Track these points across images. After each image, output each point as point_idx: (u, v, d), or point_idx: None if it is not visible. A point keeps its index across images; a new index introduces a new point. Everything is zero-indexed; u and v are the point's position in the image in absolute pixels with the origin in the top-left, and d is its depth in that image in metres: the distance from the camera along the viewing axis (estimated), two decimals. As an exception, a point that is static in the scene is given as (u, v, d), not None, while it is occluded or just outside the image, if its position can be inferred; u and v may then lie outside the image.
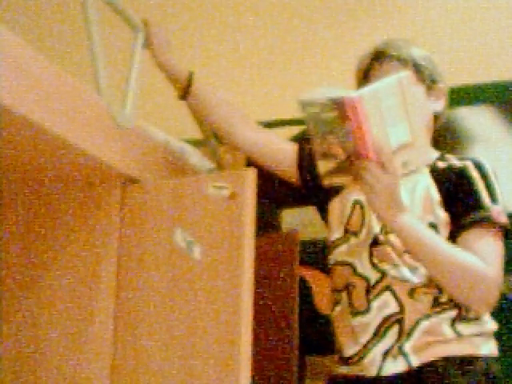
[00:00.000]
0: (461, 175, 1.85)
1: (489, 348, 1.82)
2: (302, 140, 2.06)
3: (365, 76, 1.92)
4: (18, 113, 1.46)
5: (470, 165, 1.85)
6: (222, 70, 3.52)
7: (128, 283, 1.80)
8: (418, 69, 1.88)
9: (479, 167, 1.85)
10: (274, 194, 2.68)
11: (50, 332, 1.82)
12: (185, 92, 1.97)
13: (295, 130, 2.93)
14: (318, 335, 2.42)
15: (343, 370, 1.86)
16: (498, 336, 1.88)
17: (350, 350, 1.84)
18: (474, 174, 1.84)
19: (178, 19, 3.58)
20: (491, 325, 1.84)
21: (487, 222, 1.79)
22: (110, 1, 1.86)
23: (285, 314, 2.44)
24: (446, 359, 1.75)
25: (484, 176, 1.84)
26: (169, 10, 3.61)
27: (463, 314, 1.79)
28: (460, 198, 1.82)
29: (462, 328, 1.78)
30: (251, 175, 1.76)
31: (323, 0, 3.59)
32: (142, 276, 1.79)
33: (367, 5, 3.50)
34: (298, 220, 2.93)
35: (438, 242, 1.75)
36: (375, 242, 1.84)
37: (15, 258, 1.89)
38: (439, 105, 1.95)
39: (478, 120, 2.83)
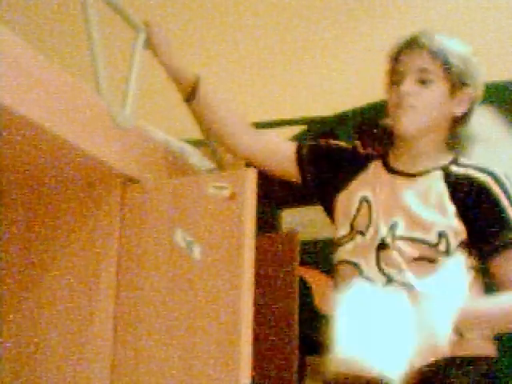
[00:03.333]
0: (481, 191, 1.81)
1: (489, 349, 1.82)
2: (300, 139, 2.05)
3: (395, 59, 1.89)
4: (17, 113, 1.46)
5: (489, 180, 1.82)
6: (222, 69, 3.52)
7: (128, 283, 1.80)
8: (446, 65, 1.83)
9: (499, 182, 1.82)
10: (274, 193, 2.68)
11: (50, 332, 1.82)
12: (190, 95, 1.96)
13: (295, 129, 2.93)
14: (318, 335, 2.43)
15: (345, 368, 1.85)
16: (498, 336, 1.88)
17: None
18: (497, 191, 1.81)
19: (178, 19, 3.58)
20: None
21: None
22: (110, 1, 1.86)
23: (285, 314, 2.44)
24: (448, 359, 1.75)
25: (505, 191, 1.81)
26: (169, 10, 3.61)
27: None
28: (484, 217, 1.81)
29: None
30: (251, 175, 1.76)
31: (323, 0, 3.59)
32: (142, 276, 1.79)
33: (367, 5, 3.51)
34: (298, 220, 2.93)
35: (497, 304, 1.79)
36: (383, 245, 1.82)
37: (15, 258, 1.89)
38: (461, 108, 1.88)
39: (477, 120, 2.82)
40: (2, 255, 1.90)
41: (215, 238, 1.74)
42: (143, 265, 1.79)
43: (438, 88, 1.85)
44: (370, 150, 1.99)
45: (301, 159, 1.98)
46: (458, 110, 1.88)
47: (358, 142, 2.01)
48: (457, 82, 1.85)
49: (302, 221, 2.89)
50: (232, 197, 1.74)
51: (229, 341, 1.67)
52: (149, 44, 1.97)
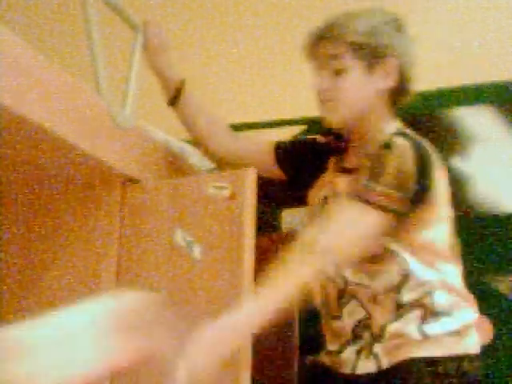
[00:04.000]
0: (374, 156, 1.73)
1: (463, 347, 1.75)
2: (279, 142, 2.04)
3: (307, 56, 1.85)
4: (17, 113, 1.46)
5: (382, 145, 1.71)
6: (222, 69, 3.52)
7: (128, 283, 1.80)
8: (355, 47, 1.77)
9: (390, 147, 1.70)
10: (274, 194, 2.68)
11: (50, 332, 1.82)
12: (173, 100, 1.98)
13: (295, 129, 2.93)
14: (319, 335, 2.43)
15: (324, 359, 1.87)
16: (498, 336, 1.87)
17: (332, 346, 1.85)
18: (378, 155, 1.70)
19: (178, 19, 3.58)
20: (467, 319, 1.77)
21: (358, 197, 1.66)
22: (109, 1, 1.86)
23: (285, 314, 2.44)
24: (413, 360, 1.71)
25: (387, 157, 1.68)
26: (169, 10, 3.61)
27: (430, 311, 1.74)
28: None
29: (429, 328, 1.73)
30: (251, 175, 1.76)
31: (323, 0, 3.59)
32: (142, 276, 1.79)
33: (367, 5, 3.50)
34: (298, 220, 2.93)
35: (255, 309, 1.60)
36: None
37: (15, 258, 1.89)
38: (388, 81, 1.79)
39: (478, 120, 2.82)
40: (2, 255, 1.90)
41: (215, 238, 1.74)
42: (143, 265, 1.79)
43: (354, 72, 1.78)
44: (330, 143, 1.96)
45: (279, 158, 1.98)
46: (386, 84, 1.79)
47: (319, 136, 1.98)
48: (371, 58, 1.77)
49: (302, 221, 2.89)
50: (232, 197, 1.74)
51: (229, 341, 1.67)
52: (145, 44, 1.98)
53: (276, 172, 2.00)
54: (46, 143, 1.62)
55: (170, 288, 1.76)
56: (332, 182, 1.88)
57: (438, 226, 1.78)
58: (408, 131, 1.80)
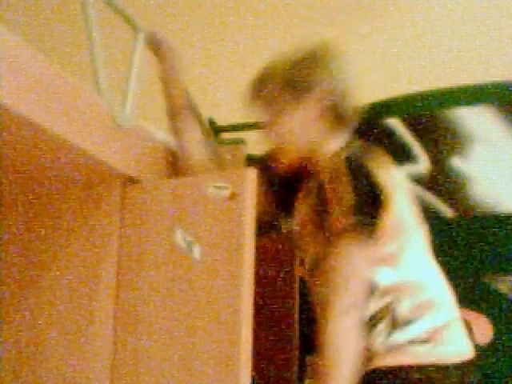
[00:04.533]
0: (320, 191, 1.79)
1: (435, 356, 1.71)
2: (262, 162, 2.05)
3: (252, 110, 1.94)
4: (17, 113, 1.46)
5: (325, 179, 1.77)
6: (222, 69, 3.52)
7: (128, 283, 1.80)
8: (278, 92, 1.86)
9: (333, 175, 1.75)
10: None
11: (50, 332, 1.82)
12: (175, 116, 1.99)
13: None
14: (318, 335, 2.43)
15: None
16: (498, 336, 1.87)
17: None
18: (326, 191, 1.75)
19: (178, 19, 3.58)
20: (435, 324, 1.73)
21: (333, 238, 1.73)
22: (109, 1, 1.86)
23: (285, 314, 2.44)
24: (374, 371, 1.70)
25: (334, 185, 1.74)
26: (169, 10, 3.61)
27: (395, 320, 1.73)
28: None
29: (395, 336, 1.72)
30: (251, 175, 1.76)
31: (323, 0, 3.60)
32: (142, 276, 1.79)
33: (367, 5, 3.51)
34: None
35: None
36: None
37: (15, 258, 1.89)
38: (318, 108, 1.85)
39: (477, 120, 2.82)
40: (2, 255, 1.90)
41: (215, 238, 1.74)
42: (143, 265, 1.79)
43: (285, 114, 1.86)
44: None
45: (264, 177, 1.97)
46: (317, 112, 1.86)
47: None
48: (296, 95, 1.85)
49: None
50: (232, 197, 1.74)
51: (229, 341, 1.67)
52: (160, 57, 1.98)
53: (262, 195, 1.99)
54: (46, 143, 1.62)
55: (170, 288, 1.76)
56: (296, 206, 1.93)
57: (403, 235, 1.78)
58: (348, 147, 1.83)
